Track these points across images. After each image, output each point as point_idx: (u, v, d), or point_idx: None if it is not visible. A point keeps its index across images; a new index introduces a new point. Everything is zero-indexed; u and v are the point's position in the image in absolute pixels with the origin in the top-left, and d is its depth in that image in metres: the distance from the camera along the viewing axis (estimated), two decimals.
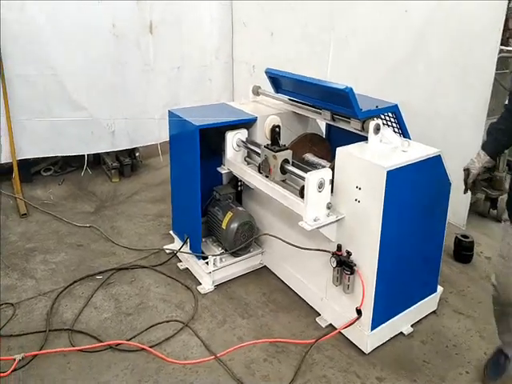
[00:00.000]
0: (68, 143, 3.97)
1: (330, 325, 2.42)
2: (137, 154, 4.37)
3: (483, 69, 2.72)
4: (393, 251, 2.14)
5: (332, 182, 2.17)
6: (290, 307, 2.57)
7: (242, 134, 2.64)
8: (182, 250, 2.87)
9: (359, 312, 2.19)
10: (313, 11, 3.77)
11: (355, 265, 2.17)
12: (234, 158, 2.66)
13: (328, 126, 2.99)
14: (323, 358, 2.23)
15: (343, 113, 2.34)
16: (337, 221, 2.20)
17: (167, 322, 2.44)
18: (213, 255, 2.69)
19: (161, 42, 4.14)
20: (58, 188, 4.00)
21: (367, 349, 2.24)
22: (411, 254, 2.27)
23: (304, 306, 2.57)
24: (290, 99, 2.76)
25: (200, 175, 2.57)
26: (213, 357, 2.19)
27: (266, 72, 2.73)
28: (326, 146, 2.82)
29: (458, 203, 3.12)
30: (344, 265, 2.19)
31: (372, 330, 2.21)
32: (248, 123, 2.67)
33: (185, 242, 2.84)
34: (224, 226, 2.71)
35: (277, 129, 2.43)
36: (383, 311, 2.24)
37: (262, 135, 2.62)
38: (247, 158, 2.69)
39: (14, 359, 2.11)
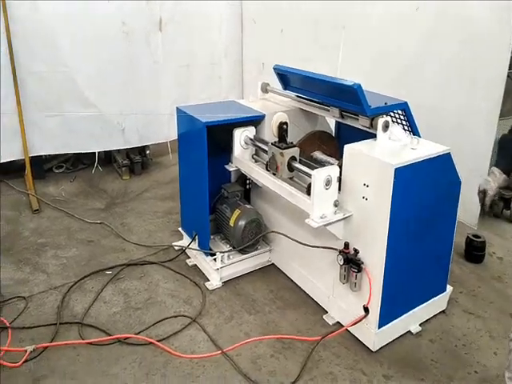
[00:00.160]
0: (79, 140, 4.03)
1: (338, 323, 2.42)
2: (147, 152, 4.41)
3: (495, 67, 2.69)
4: (400, 249, 2.13)
5: (340, 179, 2.17)
6: (297, 304, 2.57)
7: (250, 131, 2.65)
8: (190, 246, 2.89)
9: (366, 310, 2.18)
10: (323, 9, 3.76)
11: (362, 263, 2.16)
12: (241, 155, 2.67)
13: (337, 124, 2.98)
14: (330, 355, 2.23)
15: (352, 110, 2.33)
16: (344, 218, 2.19)
17: (175, 316, 2.46)
18: (220, 252, 2.71)
19: (170, 40, 4.17)
20: (69, 185, 4.06)
21: (374, 347, 2.23)
22: (419, 252, 2.25)
23: (311, 303, 2.58)
24: (298, 96, 2.76)
25: (208, 173, 2.58)
26: (219, 352, 2.21)
27: (274, 68, 2.73)
28: (335, 143, 2.81)
29: (470, 203, 3.07)
30: (351, 263, 2.18)
31: (379, 328, 2.20)
32: (256, 120, 2.67)
33: (193, 239, 2.86)
34: (232, 223, 2.72)
35: (284, 126, 2.43)
36: (390, 309, 2.22)
37: (270, 133, 2.63)
38: (255, 156, 2.69)
39: (26, 350, 2.16)
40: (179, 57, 4.30)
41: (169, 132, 4.26)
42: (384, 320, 2.21)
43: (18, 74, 3.63)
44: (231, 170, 2.74)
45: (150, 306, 2.54)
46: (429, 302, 2.42)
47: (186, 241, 3.06)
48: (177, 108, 2.80)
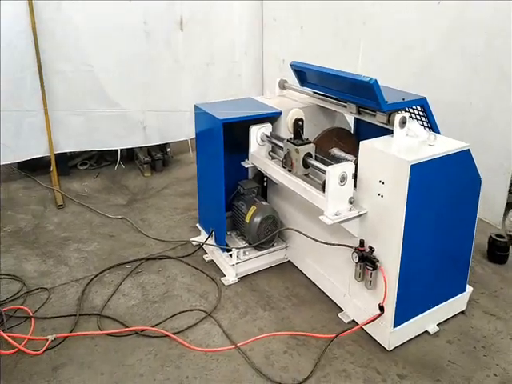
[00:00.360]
0: (102, 138, 4.14)
1: (353, 321, 2.40)
2: (168, 150, 4.48)
3: None
4: (417, 248, 2.10)
5: (355, 176, 2.15)
6: (312, 302, 2.57)
7: (267, 128, 2.65)
8: (207, 242, 2.93)
9: (381, 308, 2.15)
10: (344, 5, 3.73)
11: (378, 261, 2.13)
12: (257, 152, 2.68)
13: (356, 121, 2.95)
14: (344, 352, 2.21)
15: (368, 106, 2.30)
16: (359, 216, 2.17)
17: (191, 310, 2.50)
18: (236, 248, 2.73)
19: (191, 39, 4.22)
20: (92, 181, 4.18)
21: (389, 346, 2.20)
22: (437, 251, 2.21)
23: (327, 301, 2.56)
24: (315, 93, 2.75)
25: (225, 169, 2.61)
26: (233, 346, 2.23)
27: (290, 65, 2.73)
28: (353, 140, 2.77)
29: (494, 202, 3.00)
30: (366, 260, 2.16)
31: (395, 327, 2.17)
32: (272, 117, 2.68)
33: (210, 235, 2.89)
34: (248, 219, 2.74)
35: (299, 122, 2.42)
36: (407, 308, 2.19)
37: (286, 129, 2.62)
38: (271, 153, 2.70)
39: (47, 339, 2.25)
40: (199, 55, 4.34)
41: (189, 130, 4.29)
42: (400, 319, 2.18)
43: (44, 74, 3.75)
44: (247, 166, 2.76)
45: (167, 300, 2.59)
46: (447, 302, 2.37)
47: (203, 236, 3.09)
48: (195, 105, 2.84)
